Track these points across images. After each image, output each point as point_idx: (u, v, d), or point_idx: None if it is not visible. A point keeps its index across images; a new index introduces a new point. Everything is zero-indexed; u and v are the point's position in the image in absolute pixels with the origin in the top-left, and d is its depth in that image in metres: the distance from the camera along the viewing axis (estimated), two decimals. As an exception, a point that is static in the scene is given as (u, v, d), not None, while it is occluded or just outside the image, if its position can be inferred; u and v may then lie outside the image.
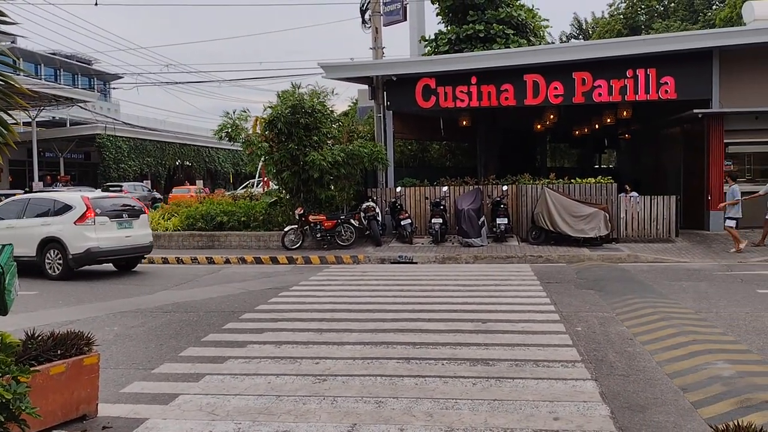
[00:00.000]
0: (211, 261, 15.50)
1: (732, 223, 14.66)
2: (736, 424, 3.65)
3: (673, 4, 43.61)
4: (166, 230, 18.08)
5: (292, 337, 7.84)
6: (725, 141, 17.24)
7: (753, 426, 3.58)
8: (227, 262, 15.42)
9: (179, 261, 15.66)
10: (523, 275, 12.35)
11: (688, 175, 19.20)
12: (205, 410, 5.46)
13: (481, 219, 16.22)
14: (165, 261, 15.75)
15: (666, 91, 16.96)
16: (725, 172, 16.39)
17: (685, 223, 17.61)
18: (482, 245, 15.85)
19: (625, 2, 44.96)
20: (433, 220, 16.55)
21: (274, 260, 15.27)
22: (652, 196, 16.37)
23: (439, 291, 10.81)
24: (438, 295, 10.39)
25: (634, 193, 16.85)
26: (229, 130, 17.06)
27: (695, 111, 16.86)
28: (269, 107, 17.07)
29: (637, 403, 5.40)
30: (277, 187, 18.86)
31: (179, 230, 17.96)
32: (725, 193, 15.51)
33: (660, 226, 16.15)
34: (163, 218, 18.93)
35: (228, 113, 17.30)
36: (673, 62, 16.88)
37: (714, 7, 41.04)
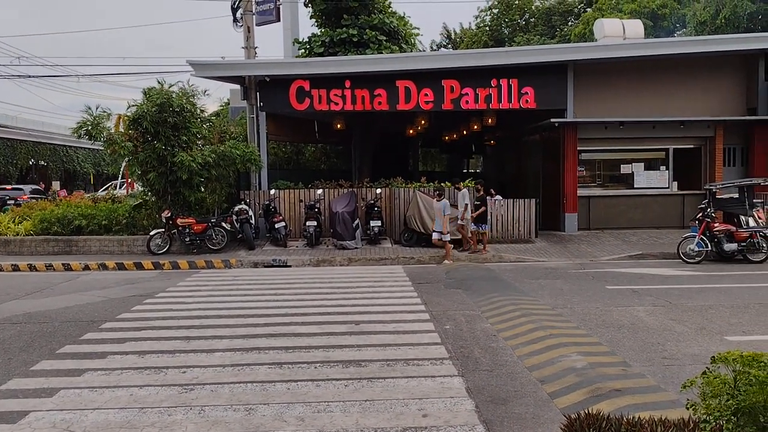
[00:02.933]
0: (68, 268, 14.46)
1: (477, 227, 15.34)
2: (587, 412, 3.94)
3: (533, 20, 46.35)
4: (17, 235, 16.63)
5: (158, 346, 7.49)
6: (579, 148, 18.59)
7: (602, 414, 3.88)
8: (86, 268, 14.45)
9: (32, 268, 14.47)
10: (396, 276, 12.61)
11: (546, 180, 20.50)
12: (60, 427, 5.08)
13: (356, 222, 16.37)
14: (15, 268, 14.49)
15: (527, 101, 18.01)
16: (455, 181, 16.85)
17: (543, 225, 18.78)
18: (356, 248, 16.01)
19: (490, 16, 47.25)
20: (307, 223, 16.47)
21: (139, 266, 14.52)
22: (515, 200, 17.32)
23: (314, 294, 10.78)
24: (312, 299, 10.35)
25: (499, 197, 17.73)
26: (90, 127, 16.01)
27: (552, 120, 18.04)
28: (134, 105, 16.23)
29: (500, 397, 5.67)
30: (142, 188, 17.95)
31: (32, 235, 16.59)
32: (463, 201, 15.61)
33: (522, 228, 17.11)
34: (13, 222, 17.40)
35: (89, 109, 16.24)
36: (533, 74, 17.97)
37: (570, 23, 44.14)
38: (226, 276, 13.18)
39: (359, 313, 9.16)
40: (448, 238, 14.59)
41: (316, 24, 23.15)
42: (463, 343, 7.45)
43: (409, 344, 7.40)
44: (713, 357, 2.83)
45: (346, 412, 5.30)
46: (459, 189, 15.86)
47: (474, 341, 7.56)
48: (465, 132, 25.86)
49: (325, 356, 6.96)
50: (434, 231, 14.88)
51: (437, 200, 14.72)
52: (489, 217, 16.97)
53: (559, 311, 9.10)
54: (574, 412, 4.10)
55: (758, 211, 14.60)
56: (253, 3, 21.34)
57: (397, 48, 21.34)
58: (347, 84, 17.80)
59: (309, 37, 21.86)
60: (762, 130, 18.41)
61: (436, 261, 14.56)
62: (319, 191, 17.52)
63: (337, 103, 17.92)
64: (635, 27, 20.23)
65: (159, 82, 16.57)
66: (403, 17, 22.68)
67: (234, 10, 22.03)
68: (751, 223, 14.28)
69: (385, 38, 20.87)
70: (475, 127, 22.53)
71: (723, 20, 26.63)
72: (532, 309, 9.15)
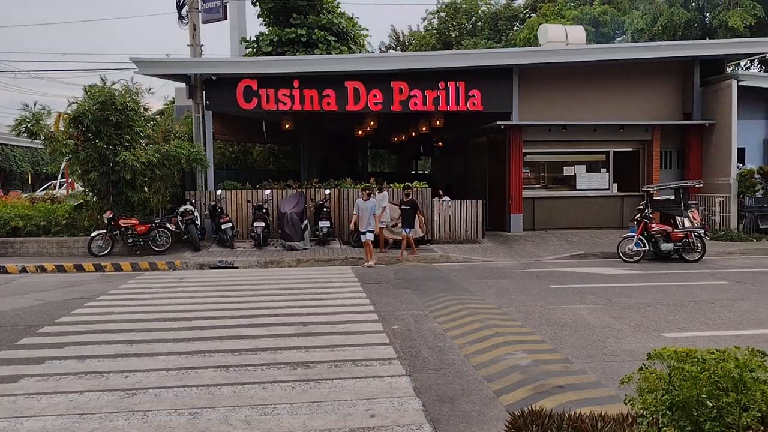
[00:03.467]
0: (3, 270, 13.90)
1: (410, 232, 15.11)
2: (530, 409, 4.04)
3: (480, 23, 47.09)
4: (-53, 237, 15.90)
5: (99, 351, 7.29)
6: (524, 150, 18.98)
7: (544, 410, 3.98)
8: (23, 270, 13.93)
9: (-37, 271, 13.86)
10: (345, 277, 12.61)
11: (493, 181, 20.86)
12: (-7, 438, 4.89)
13: (304, 222, 16.29)
14: (-55, 272, 13.85)
15: (474, 103, 18.28)
16: (376, 183, 17.29)
17: (490, 225, 19.11)
18: (305, 248, 15.93)
19: (438, 19, 47.73)
20: (255, 224, 16.30)
21: (80, 268, 14.09)
22: (462, 201, 17.55)
23: (261, 296, 10.67)
24: (259, 300, 10.25)
25: (447, 198, 17.94)
26: (30, 125, 15.45)
27: (498, 123, 18.37)
28: (75, 102, 15.75)
29: (447, 395, 5.75)
30: (83, 188, 17.41)
31: (-37, 236, 15.88)
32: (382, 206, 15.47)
33: (469, 229, 17.35)
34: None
35: (27, 106, 15.67)
36: (480, 77, 18.26)
37: (515, 28, 44.98)
38: (171, 278, 12.92)
39: (307, 314, 9.12)
40: (371, 237, 14.35)
41: (264, 23, 22.92)
42: (411, 343, 7.51)
43: (358, 345, 7.41)
44: (649, 353, 2.95)
45: (293, 415, 5.28)
46: (380, 191, 15.86)
47: (422, 341, 7.63)
48: (414, 133, 26.06)
49: (273, 358, 6.91)
50: (363, 231, 14.37)
51: (364, 199, 14.44)
52: (437, 217, 17.17)
53: (505, 310, 9.27)
54: (518, 409, 4.20)
55: (693, 211, 15.20)
56: (199, 0, 20.99)
57: (346, 49, 21.34)
58: (296, 84, 17.69)
59: (257, 36, 21.64)
60: (696, 134, 19.19)
61: (384, 261, 14.62)
62: (267, 192, 17.36)
63: (285, 103, 17.79)
64: (577, 33, 20.78)
65: (101, 79, 16.14)
66: (352, 18, 22.70)
67: (179, 7, 21.59)
68: (687, 223, 14.85)
69: (334, 39, 20.84)
70: (424, 128, 22.73)
71: (660, 28, 27.60)
72: (478, 308, 9.30)
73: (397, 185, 17.41)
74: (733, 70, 20.11)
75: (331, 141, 26.38)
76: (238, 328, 8.27)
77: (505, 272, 13.14)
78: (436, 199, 17.57)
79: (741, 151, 18.96)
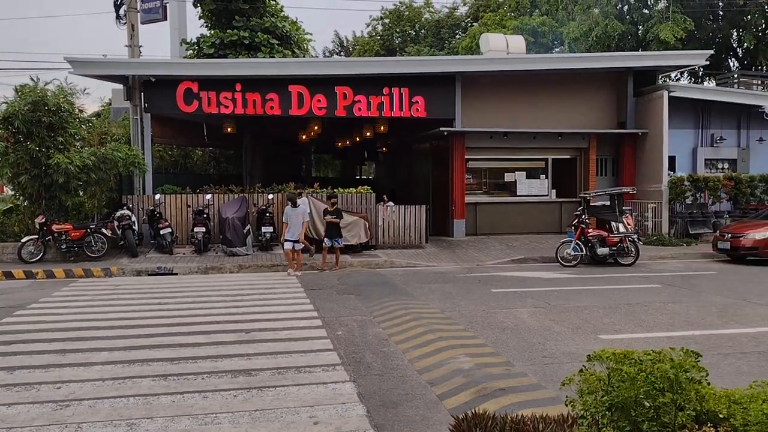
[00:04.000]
0: (-77, 278, 13.16)
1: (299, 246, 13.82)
2: (473, 412, 4.08)
3: (423, 31, 47.60)
4: None
5: (29, 361, 6.97)
6: (466, 157, 19.26)
7: (487, 413, 4.03)
8: (-54, 279, 13.22)
9: None
10: (288, 283, 12.48)
11: (436, 187, 21.08)
12: None
13: (247, 227, 16.05)
14: None
15: (417, 110, 18.43)
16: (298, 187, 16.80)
17: (433, 231, 19.29)
18: (247, 254, 15.70)
19: (382, 25, 48.00)
20: (195, 229, 15.96)
21: (9, 275, 13.46)
22: (406, 206, 17.66)
23: (201, 302, 10.44)
24: (200, 307, 10.03)
25: (391, 203, 18.01)
26: (-46, 125, 14.71)
27: (441, 129, 18.58)
28: (5, 102, 15.08)
29: (391, 400, 5.75)
30: (13, 192, 16.67)
31: None
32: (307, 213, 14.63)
33: (413, 234, 17.46)
34: None
35: (-49, 106, 14.92)
36: (423, 83, 18.43)
37: (457, 36, 45.68)
38: (107, 285, 12.50)
39: (250, 321, 8.98)
40: (300, 246, 13.68)
41: (205, 25, 22.52)
42: (355, 349, 7.49)
43: (301, 351, 7.34)
44: (589, 355, 3.02)
45: (235, 424, 5.17)
46: (300, 196, 15.19)
47: (366, 346, 7.61)
48: (358, 139, 26.08)
49: (213, 366, 6.77)
50: (286, 240, 13.58)
51: (292, 206, 13.65)
52: (381, 222, 17.21)
53: (448, 314, 9.35)
54: (461, 413, 4.23)
55: (627, 217, 15.74)
56: (138, 0, 20.47)
57: (290, 52, 21.19)
58: (238, 87, 17.44)
59: (198, 38, 21.23)
60: (630, 142, 19.89)
61: (329, 267, 14.54)
62: (208, 196, 17.03)
63: (227, 106, 17.51)
64: (518, 42, 21.25)
65: (32, 80, 15.52)
66: (296, 22, 22.56)
67: (117, 7, 21.03)
68: (621, 228, 15.37)
69: (277, 42, 20.65)
70: (368, 134, 22.78)
71: (595, 39, 28.54)
72: (422, 313, 9.35)
73: (341, 190, 17.36)
74: (663, 81, 20.95)
75: (274, 145, 26.10)
76: (178, 336, 8.06)
77: (449, 277, 13.27)
78: (380, 204, 17.62)
79: (672, 160, 19.75)
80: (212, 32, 21.14)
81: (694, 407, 2.50)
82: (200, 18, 22.57)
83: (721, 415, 2.47)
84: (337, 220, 14.38)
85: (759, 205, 18.95)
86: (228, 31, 20.33)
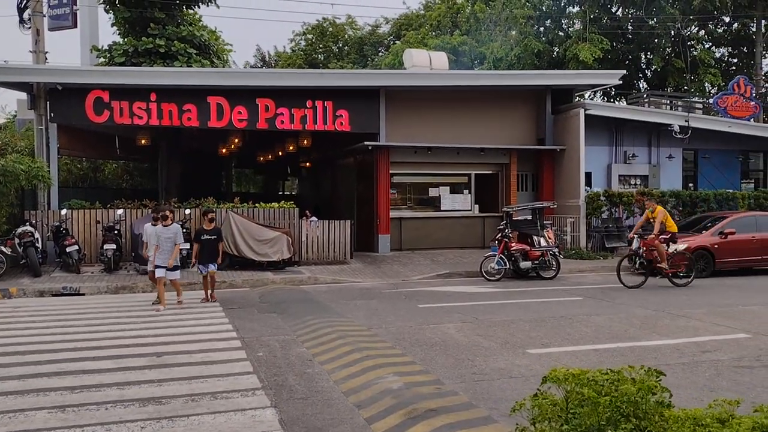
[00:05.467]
0: None
1: (177, 274, 11.45)
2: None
3: (346, 48, 47.64)
4: None
5: None
6: (391, 172, 19.11)
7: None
8: None
9: None
10: (205, 303, 11.82)
11: (361, 202, 20.82)
12: None
13: (161, 244, 15.19)
14: None
15: (341, 123, 18.16)
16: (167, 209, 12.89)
17: (358, 246, 18.98)
18: (162, 272, 14.85)
19: (305, 41, 47.69)
20: (105, 246, 14.97)
21: None
22: (330, 221, 17.28)
23: (110, 325, 9.69)
24: (108, 330, 9.28)
25: (314, 218, 17.59)
26: None
27: (366, 143, 18.37)
28: None
29: (315, 426, 5.36)
30: None
31: None
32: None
33: (337, 249, 17.09)
34: None
35: None
36: (348, 97, 18.19)
37: (380, 54, 45.97)
38: (5, 307, 11.45)
39: (162, 343, 8.35)
40: (178, 275, 11.41)
41: (118, 32, 21.53)
42: (277, 371, 7.05)
43: (218, 375, 6.83)
44: (545, 377, 2.73)
45: (141, 459, 4.64)
46: (168, 215, 11.57)
47: (289, 368, 7.18)
48: (281, 153, 25.54)
49: (120, 395, 6.16)
50: (157, 266, 11.16)
51: (163, 225, 11.24)
52: (305, 238, 16.75)
53: (375, 331, 9.04)
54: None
55: (548, 231, 15.97)
56: (45, 5, 19.28)
57: (209, 63, 20.51)
58: (153, 97, 16.62)
59: (110, 45, 20.22)
60: (549, 158, 20.34)
61: (249, 284, 13.96)
62: (120, 211, 16.06)
63: (141, 117, 16.65)
64: (441, 58, 21.42)
65: None
66: (215, 32, 21.92)
67: (21, 10, 19.70)
68: (543, 242, 15.56)
69: (195, 51, 19.94)
70: (291, 147, 22.32)
71: (515, 57, 29.28)
72: (348, 330, 9.00)
73: (263, 204, 16.78)
74: (578, 99, 21.60)
75: (192, 159, 25.15)
76: (81, 362, 7.36)
77: (374, 293, 12.98)
78: (303, 219, 17.17)
79: (588, 175, 20.32)
80: (126, 40, 20.18)
81: (659, 434, 2.28)
82: (113, 25, 21.57)
83: (687, 441, 2.26)
84: (215, 239, 11.88)
85: (669, 219, 19.72)
86: (143, 39, 19.46)
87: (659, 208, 14.32)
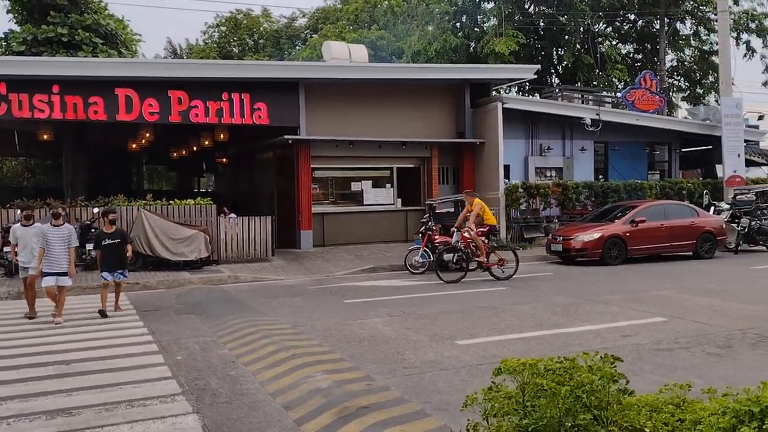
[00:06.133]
0: None
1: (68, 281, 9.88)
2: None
3: (262, 41, 46.65)
4: None
5: None
6: (312, 166, 18.78)
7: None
8: None
9: None
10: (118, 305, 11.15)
11: (281, 198, 20.37)
12: None
13: (68, 245, 14.27)
14: None
15: (259, 116, 17.65)
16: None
17: (280, 243, 18.55)
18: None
19: (219, 33, 46.35)
20: (5, 249, 13.90)
21: None
22: (250, 217, 16.79)
23: (12, 333, 8.95)
24: (9, 338, 8.56)
25: (233, 215, 17.03)
26: None
27: (286, 137, 17.95)
28: None
29: (241, 431, 5.06)
30: None
31: None
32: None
33: (258, 247, 16.63)
34: None
35: None
36: (266, 89, 17.70)
37: (297, 47, 45.28)
38: None
39: (71, 350, 7.76)
40: (69, 283, 9.83)
41: (15, 20, 20.08)
42: (198, 374, 6.66)
43: (134, 382, 6.38)
44: (498, 368, 2.54)
45: (48, 479, 4.21)
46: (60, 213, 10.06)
47: (210, 371, 6.81)
48: (196, 148, 24.62)
49: (22, 408, 5.63)
50: (45, 273, 9.48)
51: (53, 224, 9.66)
52: (224, 236, 16.18)
53: (300, 329, 8.77)
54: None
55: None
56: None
57: (116, 53, 19.49)
58: (55, 89, 15.58)
59: (6, 33, 18.83)
60: (469, 151, 20.58)
61: (165, 285, 13.31)
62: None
63: (42, 110, 15.58)
64: (360, 51, 21.24)
65: None
66: (122, 21, 20.84)
67: None
68: (466, 234, 15.65)
69: (101, 41, 18.89)
70: (207, 142, 21.55)
71: (434, 52, 29.51)
72: (272, 329, 8.68)
73: (178, 202, 16.06)
74: (494, 94, 21.97)
75: (100, 154, 23.85)
76: (-23, 375, 6.71)
77: (298, 290, 12.67)
78: (221, 216, 16.58)
79: (507, 168, 20.71)
80: (24, 28, 18.85)
81: (618, 423, 2.15)
82: (9, 12, 20.11)
83: (647, 430, 2.15)
84: (119, 243, 10.46)
85: (583, 209, 20.41)
86: (43, 27, 18.22)
87: (476, 201, 14.02)
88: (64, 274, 9.61)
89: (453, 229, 14.15)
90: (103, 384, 6.32)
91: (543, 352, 7.19)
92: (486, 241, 13.79)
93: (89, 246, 14.56)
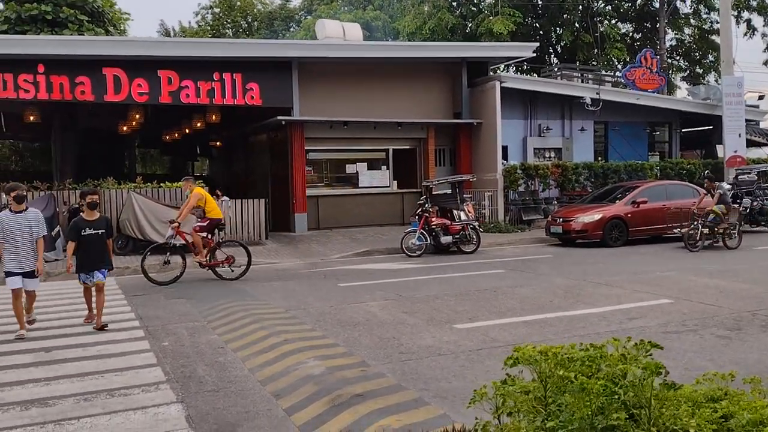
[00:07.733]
0: None
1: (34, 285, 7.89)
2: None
3: (256, 23, 45.91)
4: None
5: None
6: (306, 148, 18.37)
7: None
8: None
9: None
10: (106, 289, 10.79)
11: (275, 180, 19.98)
12: None
13: (56, 229, 13.94)
14: None
15: (252, 97, 17.22)
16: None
17: (274, 226, 18.21)
18: (56, 259, 13.61)
19: (212, 15, 45.61)
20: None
21: None
22: (244, 200, 16.44)
23: (-9, 319, 8.60)
24: (-12, 325, 8.21)
25: (226, 198, 16.65)
26: None
27: (279, 118, 17.53)
28: None
29: (228, 422, 4.74)
30: None
31: None
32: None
33: (252, 230, 16.28)
34: None
35: None
36: (258, 69, 17.25)
37: (291, 29, 44.58)
38: None
39: (53, 337, 7.44)
40: (37, 285, 7.90)
41: (-1, -2, 19.55)
42: (185, 361, 6.34)
43: (116, 370, 6.05)
44: (511, 357, 2.13)
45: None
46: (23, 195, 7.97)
47: (198, 357, 6.49)
48: (188, 131, 24.17)
49: (-4, 399, 5.30)
50: (10, 273, 7.58)
51: (12, 210, 7.74)
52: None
53: (293, 313, 8.44)
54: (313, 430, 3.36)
55: (468, 205, 15.77)
56: None
57: (103, 31, 18.99)
58: (41, 68, 15.14)
59: (-11, 12, 18.33)
60: (466, 132, 20.18)
61: (155, 270, 12.93)
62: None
63: (27, 91, 15.15)
64: (355, 30, 20.76)
65: None
66: (110, -1, 20.32)
67: None
68: (463, 216, 15.34)
69: (87, 19, 18.37)
70: (199, 124, 21.12)
71: (429, 30, 28.99)
72: (264, 314, 8.35)
73: (169, 184, 15.65)
74: (492, 73, 21.51)
75: (90, 137, 23.37)
76: (-49, 364, 6.38)
77: (292, 273, 12.34)
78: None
79: (505, 149, 20.31)
80: (7, 5, 18.31)
81: (657, 423, 1.79)
82: (-8, -10, 19.57)
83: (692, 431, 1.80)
84: (102, 234, 8.14)
85: (583, 191, 20.07)
86: (26, 4, 17.68)
87: (196, 189, 11.92)
88: (31, 273, 7.66)
89: (170, 221, 11.96)
90: (84, 372, 6.00)
91: (546, 336, 6.88)
92: (210, 236, 11.79)
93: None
